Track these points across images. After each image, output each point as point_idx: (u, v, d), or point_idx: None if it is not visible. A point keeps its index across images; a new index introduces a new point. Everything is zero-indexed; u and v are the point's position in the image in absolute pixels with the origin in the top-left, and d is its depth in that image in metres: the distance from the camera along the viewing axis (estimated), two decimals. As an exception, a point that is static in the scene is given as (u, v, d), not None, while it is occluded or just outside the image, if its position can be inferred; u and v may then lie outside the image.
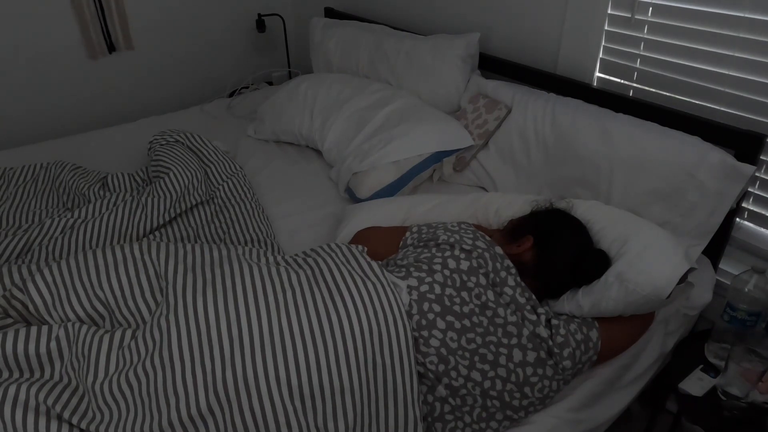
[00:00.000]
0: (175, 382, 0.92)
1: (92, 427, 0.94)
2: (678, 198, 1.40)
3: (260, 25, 2.75)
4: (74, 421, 0.93)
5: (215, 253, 1.14)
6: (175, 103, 2.75)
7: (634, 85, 1.65)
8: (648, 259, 1.17)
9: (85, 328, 1.01)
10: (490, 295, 1.14)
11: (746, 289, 1.33)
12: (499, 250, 1.22)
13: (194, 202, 1.66)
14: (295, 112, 2.04)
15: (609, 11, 1.62)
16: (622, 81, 1.68)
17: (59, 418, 0.92)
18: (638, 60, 1.61)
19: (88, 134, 2.18)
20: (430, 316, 1.07)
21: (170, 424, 0.91)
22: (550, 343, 1.14)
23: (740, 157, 1.37)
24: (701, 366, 1.34)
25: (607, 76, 1.71)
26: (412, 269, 1.14)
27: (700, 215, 1.39)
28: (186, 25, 2.64)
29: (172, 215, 1.60)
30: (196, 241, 1.55)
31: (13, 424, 0.88)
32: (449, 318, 1.08)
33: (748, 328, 1.35)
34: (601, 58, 1.70)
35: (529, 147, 1.68)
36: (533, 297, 1.19)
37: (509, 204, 1.45)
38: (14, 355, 0.96)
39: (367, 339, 1.00)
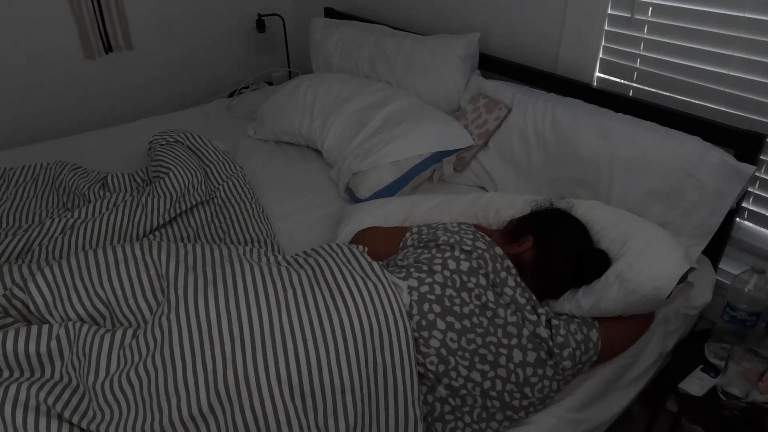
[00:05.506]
0: (176, 381, 0.92)
1: (93, 427, 0.94)
2: (678, 198, 1.41)
3: (260, 25, 2.75)
4: (75, 420, 0.93)
5: (216, 253, 1.14)
6: (175, 103, 2.75)
7: (634, 85, 1.65)
8: (648, 259, 1.17)
9: (85, 327, 1.01)
10: (490, 295, 1.14)
11: (746, 289, 1.33)
12: (499, 250, 1.22)
13: (194, 202, 1.66)
14: (295, 112, 2.04)
15: (609, 11, 1.62)
16: (622, 81, 1.68)
17: (60, 417, 0.92)
18: (638, 60, 1.61)
19: (88, 134, 2.18)
20: (431, 316, 1.07)
21: (171, 423, 0.91)
22: (550, 343, 1.14)
23: (740, 157, 1.37)
24: (701, 366, 1.34)
25: (607, 76, 1.71)
26: (412, 270, 1.14)
27: (700, 215, 1.40)
28: (186, 25, 2.64)
29: (172, 215, 1.60)
30: (196, 241, 1.55)
31: (13, 424, 0.88)
32: (449, 318, 1.08)
33: (748, 328, 1.35)
34: (601, 58, 1.70)
35: (529, 147, 1.68)
36: (533, 297, 1.19)
37: (509, 204, 1.45)
38: (15, 354, 0.96)
39: (368, 339, 1.00)
